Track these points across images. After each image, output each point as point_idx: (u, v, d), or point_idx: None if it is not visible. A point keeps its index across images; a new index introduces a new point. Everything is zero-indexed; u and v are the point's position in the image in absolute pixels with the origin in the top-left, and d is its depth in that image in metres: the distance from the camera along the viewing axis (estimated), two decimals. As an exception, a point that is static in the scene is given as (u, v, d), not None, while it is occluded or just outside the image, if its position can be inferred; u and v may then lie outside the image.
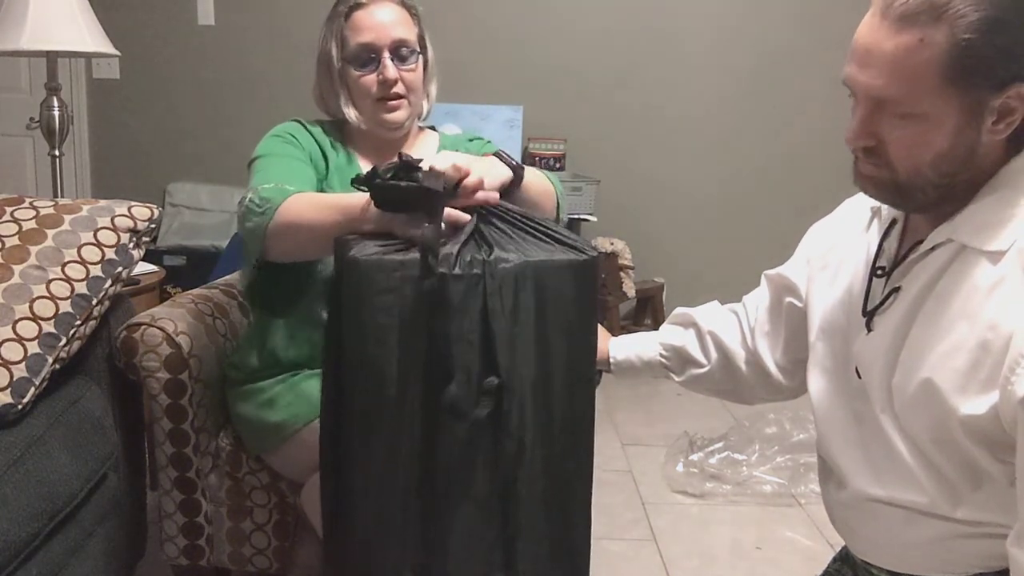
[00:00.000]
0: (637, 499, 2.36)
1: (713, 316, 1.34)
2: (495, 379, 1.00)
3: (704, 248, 3.86)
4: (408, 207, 1.07)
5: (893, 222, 1.06)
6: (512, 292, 1.01)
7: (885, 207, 1.08)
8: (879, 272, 1.04)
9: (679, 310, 1.39)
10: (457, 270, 0.99)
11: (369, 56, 1.44)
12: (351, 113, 1.48)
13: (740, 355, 1.29)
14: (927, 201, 0.95)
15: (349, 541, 1.07)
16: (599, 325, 1.32)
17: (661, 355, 1.36)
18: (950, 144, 0.90)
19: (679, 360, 1.35)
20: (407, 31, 1.46)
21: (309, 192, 1.36)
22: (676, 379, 1.37)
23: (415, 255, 1.00)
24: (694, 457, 2.50)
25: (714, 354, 1.32)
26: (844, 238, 1.14)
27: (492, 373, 1.00)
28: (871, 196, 1.00)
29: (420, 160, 1.08)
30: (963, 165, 0.91)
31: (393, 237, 1.07)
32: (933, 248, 0.95)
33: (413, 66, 1.46)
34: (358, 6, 1.45)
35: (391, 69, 1.43)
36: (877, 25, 0.88)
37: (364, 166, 1.53)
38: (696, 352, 1.33)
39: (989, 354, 0.87)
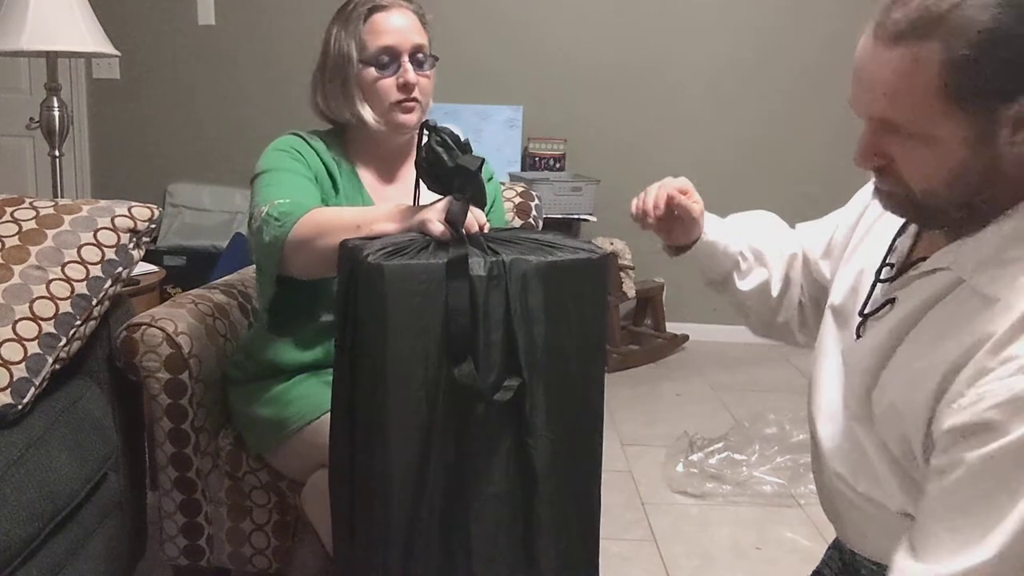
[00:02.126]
0: (637, 499, 2.36)
1: (790, 238, 1.30)
2: (516, 380, 1.02)
3: (704, 248, 3.86)
4: (441, 179, 1.10)
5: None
6: (532, 290, 1.03)
7: None
8: (885, 272, 1.03)
9: (763, 214, 1.33)
10: (480, 271, 1.00)
11: (389, 59, 1.44)
12: (368, 115, 1.46)
13: (796, 289, 1.27)
14: (951, 221, 0.91)
15: (370, 542, 1.07)
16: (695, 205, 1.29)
17: (742, 254, 1.29)
18: (963, 164, 0.85)
19: (755, 264, 1.28)
20: (422, 37, 1.47)
21: (325, 207, 1.36)
22: (739, 284, 1.29)
23: (436, 260, 1.01)
24: (694, 457, 2.50)
25: (781, 272, 1.27)
26: (871, 215, 1.11)
27: (513, 368, 1.02)
28: (890, 211, 0.96)
29: (466, 140, 1.12)
30: (983, 183, 0.86)
31: (390, 239, 1.08)
32: (935, 269, 0.92)
33: (429, 72, 1.48)
34: (379, 8, 1.45)
35: (412, 73, 1.43)
36: (871, 46, 0.85)
37: (367, 179, 1.53)
38: (779, 270, 1.28)
39: (944, 391, 0.85)
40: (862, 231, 1.12)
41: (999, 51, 0.79)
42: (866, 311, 1.02)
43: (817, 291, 1.26)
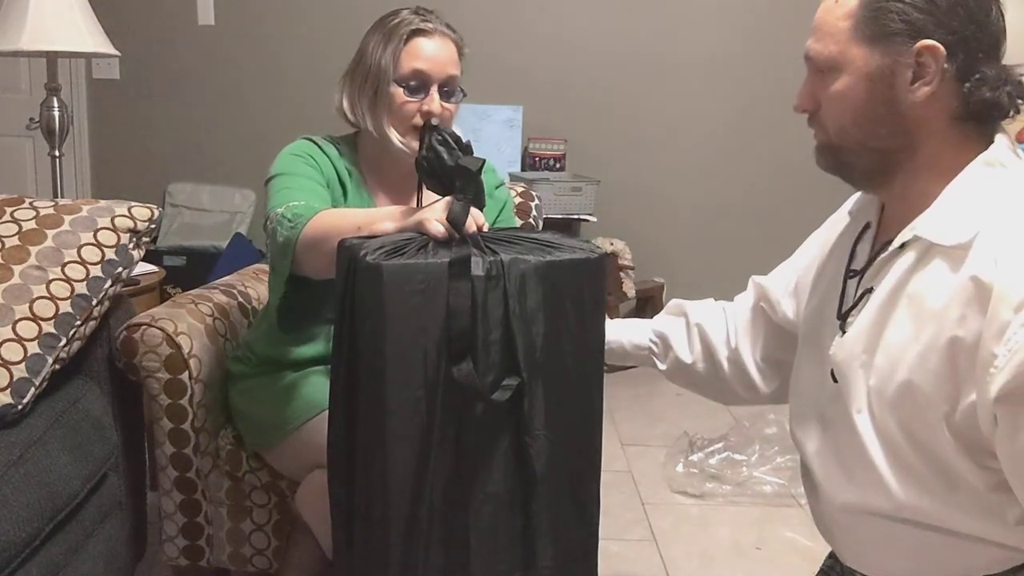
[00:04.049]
0: (637, 499, 2.36)
1: (703, 310, 1.36)
2: (515, 379, 1.02)
3: (704, 248, 3.86)
4: (441, 179, 1.11)
5: (867, 226, 1.07)
6: (530, 290, 1.02)
7: (860, 210, 1.09)
8: (852, 274, 1.04)
9: (674, 301, 1.40)
10: (479, 271, 1.00)
11: (420, 84, 1.44)
12: (394, 136, 1.45)
13: (722, 351, 1.31)
14: (865, 168, 0.98)
15: (370, 543, 1.07)
16: None
17: (651, 340, 1.37)
18: (867, 100, 0.94)
19: (665, 348, 1.36)
20: (456, 69, 1.47)
21: (333, 209, 1.36)
22: (660, 367, 1.37)
23: (435, 260, 1.01)
24: (694, 457, 2.50)
25: (698, 346, 1.33)
26: (826, 246, 1.16)
27: (512, 368, 1.02)
28: (822, 167, 1.04)
29: (467, 141, 1.12)
30: (889, 127, 0.94)
31: (388, 238, 1.08)
32: (902, 247, 0.96)
33: (453, 106, 1.47)
34: (423, 32, 1.44)
35: (437, 103, 1.43)
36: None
37: (375, 190, 1.54)
38: (682, 342, 1.35)
39: (960, 351, 0.87)
40: (822, 270, 1.17)
41: None
42: (843, 310, 1.03)
43: (775, 344, 1.28)
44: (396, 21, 1.46)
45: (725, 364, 1.30)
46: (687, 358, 1.33)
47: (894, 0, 0.91)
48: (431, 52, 1.44)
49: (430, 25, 1.45)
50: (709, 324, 1.33)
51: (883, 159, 0.96)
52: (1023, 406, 0.82)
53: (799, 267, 1.24)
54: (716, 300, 1.40)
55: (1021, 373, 0.81)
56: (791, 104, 1.06)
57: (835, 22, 0.95)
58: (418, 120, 1.44)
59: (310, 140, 1.51)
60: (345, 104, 1.50)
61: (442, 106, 1.45)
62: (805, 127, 1.05)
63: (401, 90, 1.44)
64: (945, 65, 0.91)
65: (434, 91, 1.44)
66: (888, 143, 0.95)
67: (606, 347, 1.36)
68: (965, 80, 0.92)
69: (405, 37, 1.44)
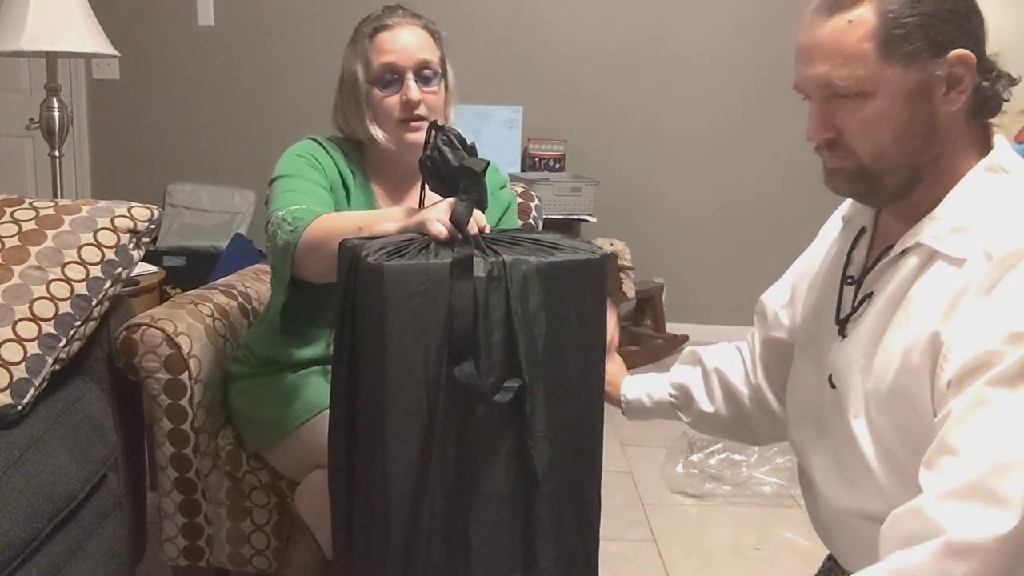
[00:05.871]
0: (637, 500, 2.36)
1: (718, 354, 1.32)
2: (517, 380, 1.02)
3: (704, 248, 3.86)
4: (444, 179, 1.10)
5: (862, 231, 1.06)
6: (532, 291, 1.02)
7: (854, 215, 1.09)
8: (849, 280, 1.04)
9: (689, 349, 1.37)
10: (480, 272, 1.00)
11: (393, 77, 1.44)
12: (379, 134, 1.46)
13: (744, 392, 1.28)
14: (898, 185, 0.95)
15: (371, 544, 1.06)
16: (617, 357, 1.36)
17: (670, 394, 1.34)
18: (908, 118, 0.91)
19: (686, 399, 1.33)
20: (430, 53, 1.46)
21: (333, 212, 1.36)
22: (685, 419, 1.34)
23: (436, 261, 1.01)
24: (694, 458, 2.50)
25: (719, 392, 1.30)
26: (820, 254, 1.16)
27: (514, 369, 1.02)
28: (843, 192, 1.01)
29: (472, 143, 1.12)
30: (926, 142, 0.92)
31: (390, 239, 1.08)
32: (904, 252, 0.95)
33: (435, 88, 1.47)
34: (383, 27, 1.45)
35: (414, 90, 1.43)
36: (810, 23, 0.94)
37: (380, 194, 1.54)
38: (701, 391, 1.31)
39: (939, 347, 0.87)
40: (818, 277, 1.15)
41: (918, 5, 0.88)
42: (842, 315, 1.03)
43: (780, 373, 1.25)
44: (361, 26, 1.47)
45: (748, 404, 1.27)
46: (708, 407, 1.30)
47: (918, 15, 0.88)
48: (397, 44, 1.44)
49: (392, 19, 1.46)
50: (727, 367, 1.30)
51: (914, 173, 0.94)
52: (970, 384, 0.82)
53: (793, 279, 1.23)
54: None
55: (970, 358, 0.82)
56: (791, 106, 1.05)
57: (856, 44, 0.90)
58: (399, 113, 1.44)
59: (314, 140, 1.51)
60: (339, 117, 1.52)
61: (422, 91, 1.44)
62: (804, 128, 1.04)
63: (376, 89, 1.44)
64: (975, 70, 0.90)
65: (409, 79, 1.43)
66: (921, 157, 0.93)
67: (628, 404, 1.35)
68: (984, 79, 0.91)
69: (368, 37, 1.45)
